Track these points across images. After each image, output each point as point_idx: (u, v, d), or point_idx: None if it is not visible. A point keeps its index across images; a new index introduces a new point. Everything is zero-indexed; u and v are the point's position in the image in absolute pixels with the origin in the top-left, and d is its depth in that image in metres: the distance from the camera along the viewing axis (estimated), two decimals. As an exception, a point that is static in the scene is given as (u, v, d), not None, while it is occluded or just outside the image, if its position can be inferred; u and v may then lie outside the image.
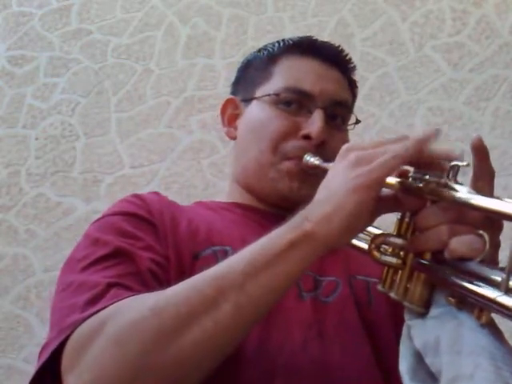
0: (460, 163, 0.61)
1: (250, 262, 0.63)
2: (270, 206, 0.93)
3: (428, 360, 0.61)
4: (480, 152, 0.64)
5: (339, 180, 0.64)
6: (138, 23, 2.47)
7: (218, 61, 2.29)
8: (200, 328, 0.61)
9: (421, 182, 0.63)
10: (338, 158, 0.68)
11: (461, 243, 0.60)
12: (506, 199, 0.58)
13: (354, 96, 1.02)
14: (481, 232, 0.60)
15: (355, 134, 2.35)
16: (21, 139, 2.39)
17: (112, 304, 0.66)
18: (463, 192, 0.60)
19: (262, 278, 0.62)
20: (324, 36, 2.26)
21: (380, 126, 2.18)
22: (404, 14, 2.30)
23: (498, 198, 0.60)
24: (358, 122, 1.00)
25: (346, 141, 0.96)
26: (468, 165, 0.62)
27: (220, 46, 2.37)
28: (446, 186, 0.61)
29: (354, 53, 2.26)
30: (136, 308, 0.64)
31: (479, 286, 0.57)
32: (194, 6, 2.45)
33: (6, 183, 2.33)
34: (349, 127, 0.99)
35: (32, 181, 2.32)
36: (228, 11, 2.43)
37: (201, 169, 2.24)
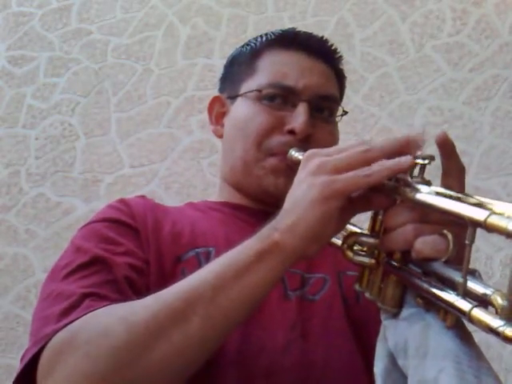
0: (421, 161, 0.61)
1: (219, 275, 0.63)
2: (258, 203, 0.92)
3: (400, 362, 0.61)
4: (445, 148, 0.62)
5: (302, 188, 0.63)
6: (138, 23, 2.47)
7: (217, 61, 2.28)
8: (169, 341, 0.61)
9: (389, 180, 0.62)
10: (301, 164, 0.66)
11: (425, 244, 0.59)
12: (477, 197, 0.57)
13: (341, 87, 1.00)
14: (445, 232, 0.58)
15: (355, 134, 2.33)
16: (21, 139, 2.39)
17: (84, 315, 0.67)
18: (424, 191, 0.59)
19: (232, 290, 0.62)
20: (324, 35, 2.25)
21: (380, 125, 2.18)
22: (404, 14, 2.30)
23: (467, 194, 0.58)
24: (345, 113, 0.98)
25: (334, 133, 0.94)
26: (429, 163, 0.60)
27: (220, 46, 2.37)
28: (408, 184, 0.60)
29: (354, 53, 2.26)
30: (106, 321, 0.65)
31: (440, 288, 0.57)
32: (194, 5, 2.45)
33: (5, 183, 2.33)
34: (337, 119, 0.97)
35: (32, 181, 2.32)
36: (228, 11, 2.43)
37: (201, 169, 2.24)
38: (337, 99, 0.96)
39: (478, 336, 0.61)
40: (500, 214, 0.50)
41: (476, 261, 1.92)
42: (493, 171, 2.03)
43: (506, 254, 1.93)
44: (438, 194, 0.59)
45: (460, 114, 2.14)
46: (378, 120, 2.19)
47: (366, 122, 2.18)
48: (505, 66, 2.17)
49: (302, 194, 0.62)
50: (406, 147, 0.62)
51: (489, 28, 2.22)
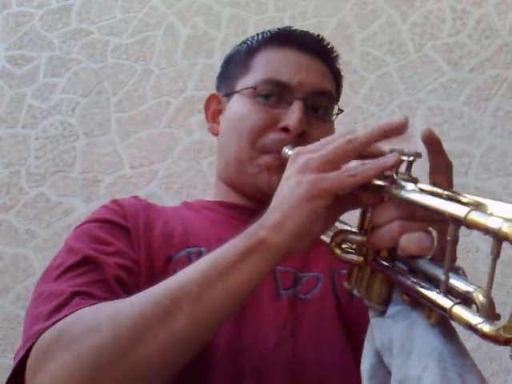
0: (407, 158, 0.61)
1: (205, 272, 0.63)
2: (252, 201, 0.92)
3: (385, 360, 0.61)
4: (431, 145, 0.62)
5: (289, 186, 0.63)
6: (138, 23, 2.47)
7: (217, 61, 2.27)
8: (155, 339, 0.61)
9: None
10: (288, 162, 0.66)
11: (410, 241, 0.59)
12: (466, 195, 0.57)
13: (338, 86, 0.99)
14: (430, 229, 0.58)
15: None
16: (21, 139, 2.39)
17: (72, 313, 0.67)
18: (408, 189, 0.59)
19: (217, 288, 0.62)
20: (324, 36, 2.25)
21: (380, 125, 2.18)
22: (404, 14, 2.30)
23: (455, 192, 0.59)
24: (340, 111, 0.98)
25: (331, 131, 0.94)
26: (415, 159, 0.61)
27: (220, 46, 2.37)
28: (394, 182, 0.61)
29: (354, 53, 2.26)
30: (93, 318, 0.65)
31: (423, 285, 0.57)
32: (194, 5, 2.45)
33: (5, 183, 2.33)
34: (332, 117, 0.96)
35: (32, 181, 2.32)
36: (228, 11, 2.43)
37: (201, 169, 2.24)
38: (332, 96, 0.95)
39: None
40: (481, 210, 0.50)
41: (476, 261, 1.92)
42: (493, 171, 2.03)
43: (507, 254, 1.93)
44: (423, 191, 0.59)
45: (460, 114, 2.14)
46: (377, 120, 2.19)
47: (366, 122, 2.18)
48: (505, 66, 2.17)
49: (289, 192, 0.62)
50: (389, 132, 0.62)
51: (489, 28, 2.22)
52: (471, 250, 1.91)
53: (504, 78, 2.16)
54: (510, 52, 2.18)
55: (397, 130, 0.62)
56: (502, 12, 2.23)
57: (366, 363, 0.64)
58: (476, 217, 0.49)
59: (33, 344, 0.67)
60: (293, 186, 0.62)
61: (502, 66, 2.17)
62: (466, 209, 0.50)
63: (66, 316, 0.67)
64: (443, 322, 0.59)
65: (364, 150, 0.62)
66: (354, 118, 2.15)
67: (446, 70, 2.21)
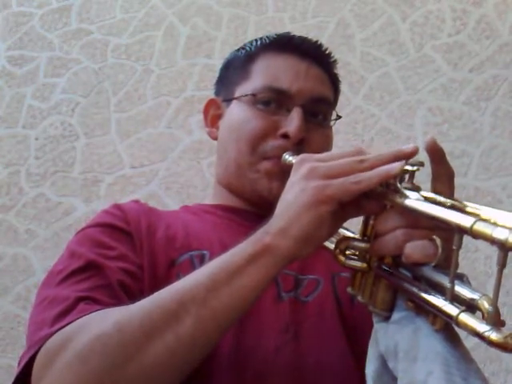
0: (410, 167, 0.61)
1: (212, 277, 0.63)
2: (252, 206, 0.93)
3: (390, 364, 0.62)
4: (434, 153, 0.63)
5: (294, 192, 0.64)
6: (138, 23, 2.47)
7: (218, 61, 2.28)
8: (162, 343, 0.61)
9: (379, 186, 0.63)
10: (293, 168, 0.67)
11: (414, 249, 0.60)
12: (465, 202, 0.58)
13: (336, 91, 1.01)
14: (434, 237, 0.59)
15: (355, 134, 2.33)
16: (21, 139, 2.39)
17: (78, 318, 0.67)
18: (412, 197, 0.59)
19: (224, 292, 0.62)
20: (324, 36, 2.25)
21: (380, 125, 2.18)
22: (404, 14, 2.30)
23: (456, 200, 0.59)
24: (338, 117, 0.98)
25: (329, 137, 0.95)
26: (418, 169, 0.61)
27: (220, 46, 2.37)
28: (397, 190, 0.61)
29: (354, 53, 2.26)
30: (100, 323, 0.65)
31: (429, 292, 0.58)
32: (194, 6, 2.45)
33: (6, 183, 2.33)
34: (331, 123, 0.98)
35: (32, 181, 2.32)
36: (228, 11, 2.43)
37: (201, 169, 2.24)
38: (331, 102, 0.97)
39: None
40: (486, 221, 0.50)
41: (475, 261, 1.92)
42: (493, 172, 2.02)
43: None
44: (426, 199, 0.59)
45: (460, 113, 2.14)
46: (378, 120, 2.19)
47: (366, 122, 2.18)
48: (505, 66, 2.17)
49: (294, 198, 0.63)
50: (401, 159, 0.62)
51: (489, 28, 2.22)
52: (470, 249, 1.91)
53: (504, 77, 2.16)
54: (510, 52, 2.18)
55: (407, 158, 0.62)
56: (502, 12, 2.23)
57: (371, 367, 0.64)
58: (482, 227, 0.49)
59: (38, 349, 0.67)
60: (297, 192, 0.63)
61: (502, 66, 2.17)
62: (471, 219, 0.51)
63: (71, 322, 0.67)
64: (447, 328, 0.59)
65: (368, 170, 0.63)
66: (354, 118, 2.15)
67: (446, 70, 2.21)
